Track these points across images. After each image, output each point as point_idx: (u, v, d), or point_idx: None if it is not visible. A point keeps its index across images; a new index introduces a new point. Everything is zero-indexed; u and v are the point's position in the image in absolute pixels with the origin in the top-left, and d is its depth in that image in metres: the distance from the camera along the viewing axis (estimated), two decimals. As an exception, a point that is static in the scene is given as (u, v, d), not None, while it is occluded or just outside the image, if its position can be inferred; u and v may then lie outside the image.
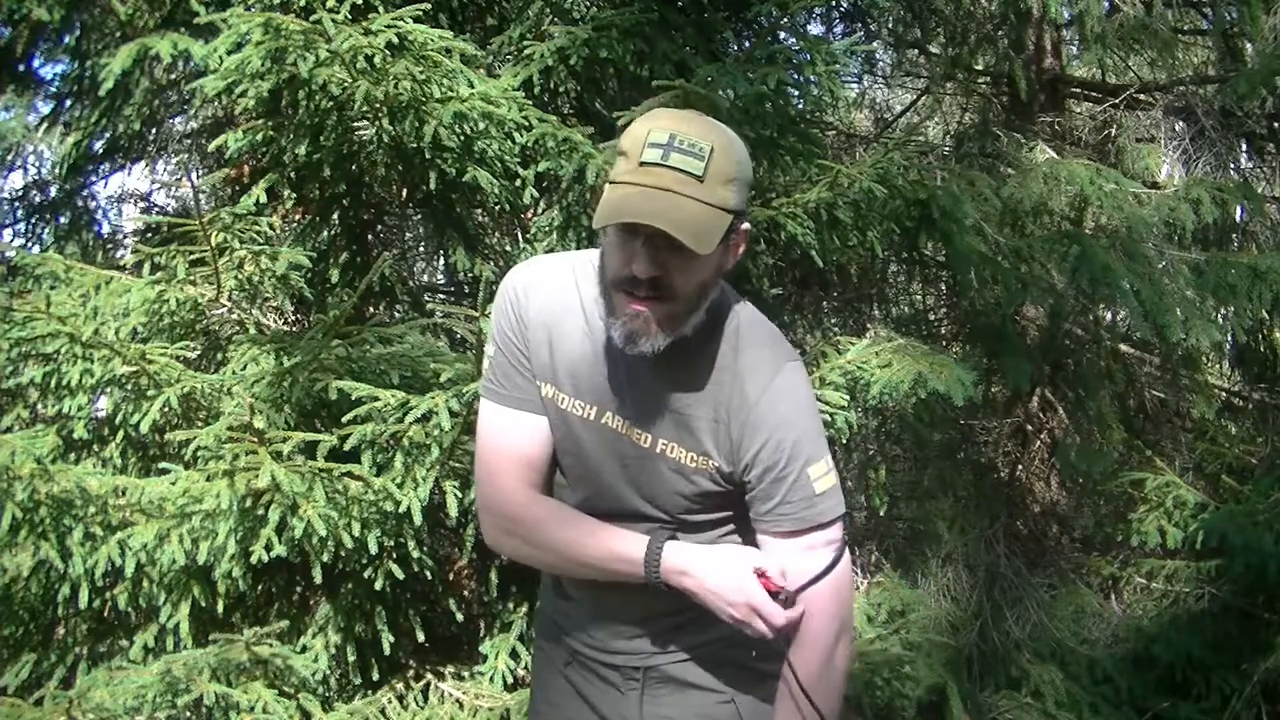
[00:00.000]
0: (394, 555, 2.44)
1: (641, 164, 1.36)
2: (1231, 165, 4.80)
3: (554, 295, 1.52)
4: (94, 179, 3.78)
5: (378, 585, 2.44)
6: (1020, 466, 4.73)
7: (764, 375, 1.48)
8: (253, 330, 2.80)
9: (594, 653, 1.61)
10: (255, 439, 2.27)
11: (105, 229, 3.93)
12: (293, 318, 3.04)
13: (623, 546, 1.50)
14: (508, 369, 1.54)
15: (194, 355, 2.72)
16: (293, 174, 2.83)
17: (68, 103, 3.48)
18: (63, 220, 3.74)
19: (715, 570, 1.47)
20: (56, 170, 3.81)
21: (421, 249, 3.74)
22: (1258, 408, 4.93)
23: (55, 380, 2.54)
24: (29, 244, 3.72)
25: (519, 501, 1.54)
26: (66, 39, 3.31)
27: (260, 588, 2.65)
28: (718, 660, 1.57)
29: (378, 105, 2.58)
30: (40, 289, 2.76)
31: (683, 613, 1.54)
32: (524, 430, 1.54)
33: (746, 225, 1.48)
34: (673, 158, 1.34)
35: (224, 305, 2.75)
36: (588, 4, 3.03)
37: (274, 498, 2.27)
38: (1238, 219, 4.77)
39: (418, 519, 2.34)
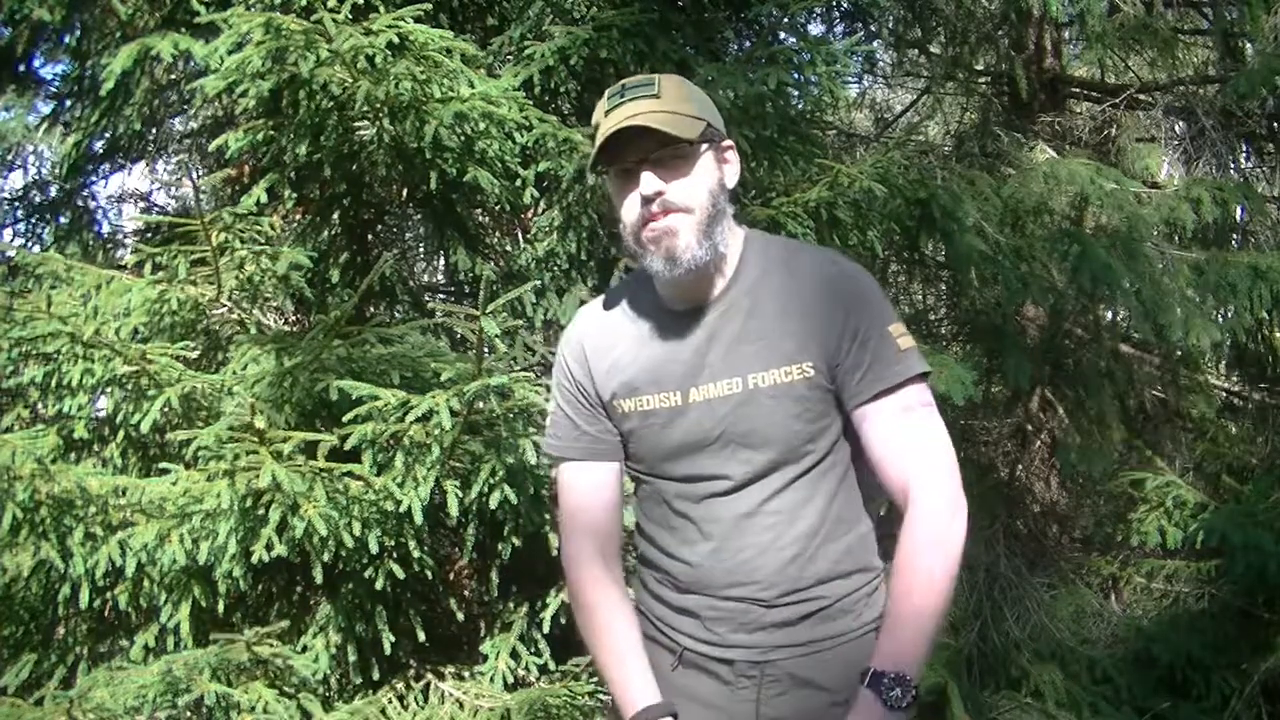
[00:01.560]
0: (394, 555, 2.44)
1: (606, 114, 1.50)
2: (1231, 165, 4.80)
3: (603, 322, 1.63)
4: (94, 179, 3.78)
5: (378, 585, 2.44)
6: (1020, 466, 4.73)
7: (825, 262, 1.58)
8: (253, 330, 2.79)
9: (707, 648, 1.58)
10: (256, 439, 2.27)
11: (105, 229, 3.93)
12: (293, 318, 3.04)
13: (625, 690, 1.56)
14: (570, 418, 1.63)
15: (194, 355, 2.72)
16: (293, 174, 2.83)
17: (68, 103, 3.48)
18: (63, 220, 3.73)
19: None
20: (57, 170, 3.81)
21: (422, 249, 3.73)
22: (1258, 408, 4.94)
23: (56, 380, 2.54)
24: (29, 244, 3.71)
25: (581, 578, 1.62)
26: (67, 39, 3.31)
27: (261, 588, 2.65)
28: (839, 658, 1.54)
29: (378, 105, 2.58)
30: (41, 288, 2.76)
31: (817, 595, 1.54)
32: (596, 484, 1.62)
33: (730, 143, 1.57)
34: (627, 94, 1.50)
35: (224, 305, 2.75)
36: (588, 4, 3.03)
37: (274, 497, 2.27)
38: (1238, 219, 4.77)
39: (418, 519, 2.34)
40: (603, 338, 1.62)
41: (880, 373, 1.50)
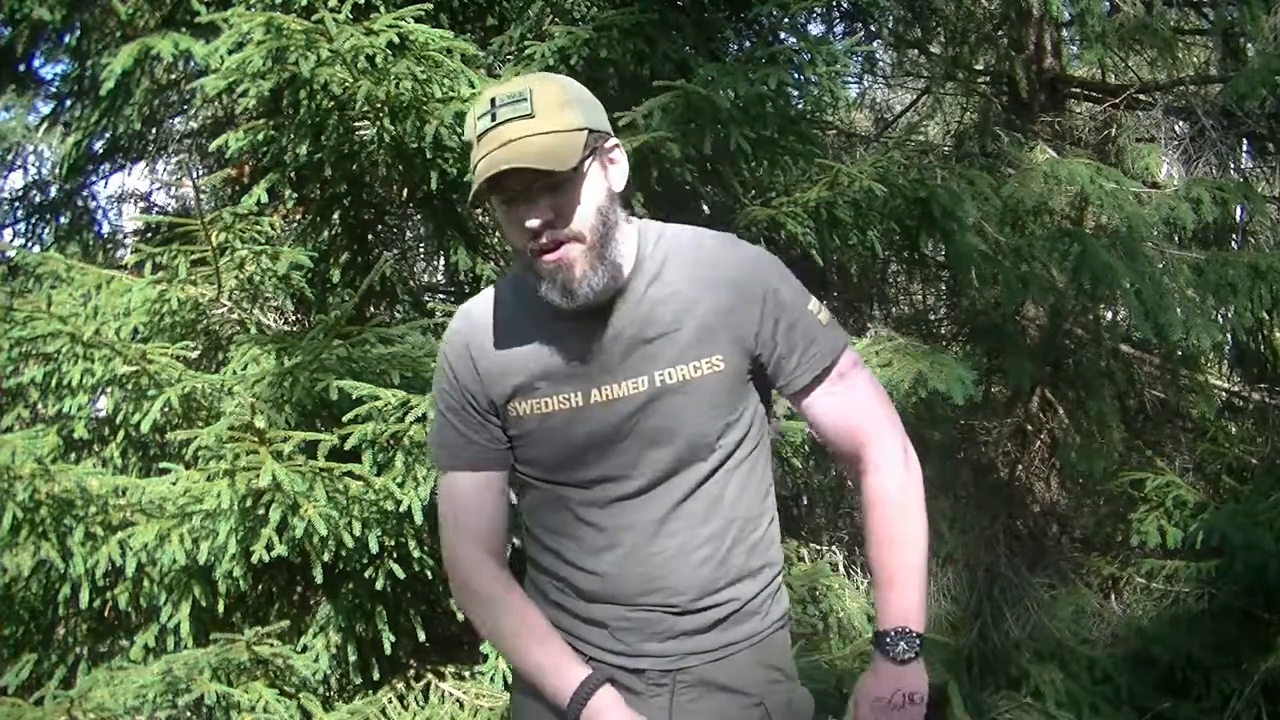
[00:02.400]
0: (395, 555, 2.44)
1: (478, 138, 1.39)
2: (1232, 165, 4.80)
3: (490, 321, 1.52)
4: (94, 179, 3.79)
5: (378, 585, 2.44)
6: (1020, 466, 4.73)
7: (726, 248, 1.53)
8: (253, 330, 2.80)
9: (617, 659, 1.51)
10: (256, 439, 2.27)
11: (105, 229, 3.94)
12: (293, 317, 3.04)
13: (554, 675, 1.48)
14: (455, 427, 1.53)
15: (195, 355, 2.72)
16: (293, 174, 2.83)
17: (68, 103, 3.49)
18: (63, 220, 3.74)
19: None
20: (57, 170, 3.82)
21: (422, 249, 3.74)
22: (1258, 408, 4.93)
23: (56, 380, 2.54)
24: (29, 244, 3.72)
25: (477, 575, 1.54)
26: (67, 39, 3.31)
27: (261, 587, 2.65)
28: (749, 660, 1.52)
29: (379, 105, 2.58)
30: (41, 288, 2.77)
31: (729, 599, 1.51)
32: (482, 491, 1.53)
33: (615, 142, 1.48)
34: (499, 114, 1.38)
35: (225, 305, 2.75)
36: (588, 4, 3.03)
37: (275, 497, 2.27)
38: (1238, 219, 4.77)
39: (418, 518, 2.34)
40: (491, 338, 1.51)
41: (815, 355, 1.50)
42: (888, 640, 1.51)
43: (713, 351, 1.47)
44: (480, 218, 3.22)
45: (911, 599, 1.53)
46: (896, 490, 1.53)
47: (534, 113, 1.37)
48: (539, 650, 1.51)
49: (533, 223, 1.38)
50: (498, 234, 3.24)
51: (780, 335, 1.49)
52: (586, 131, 1.41)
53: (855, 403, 1.53)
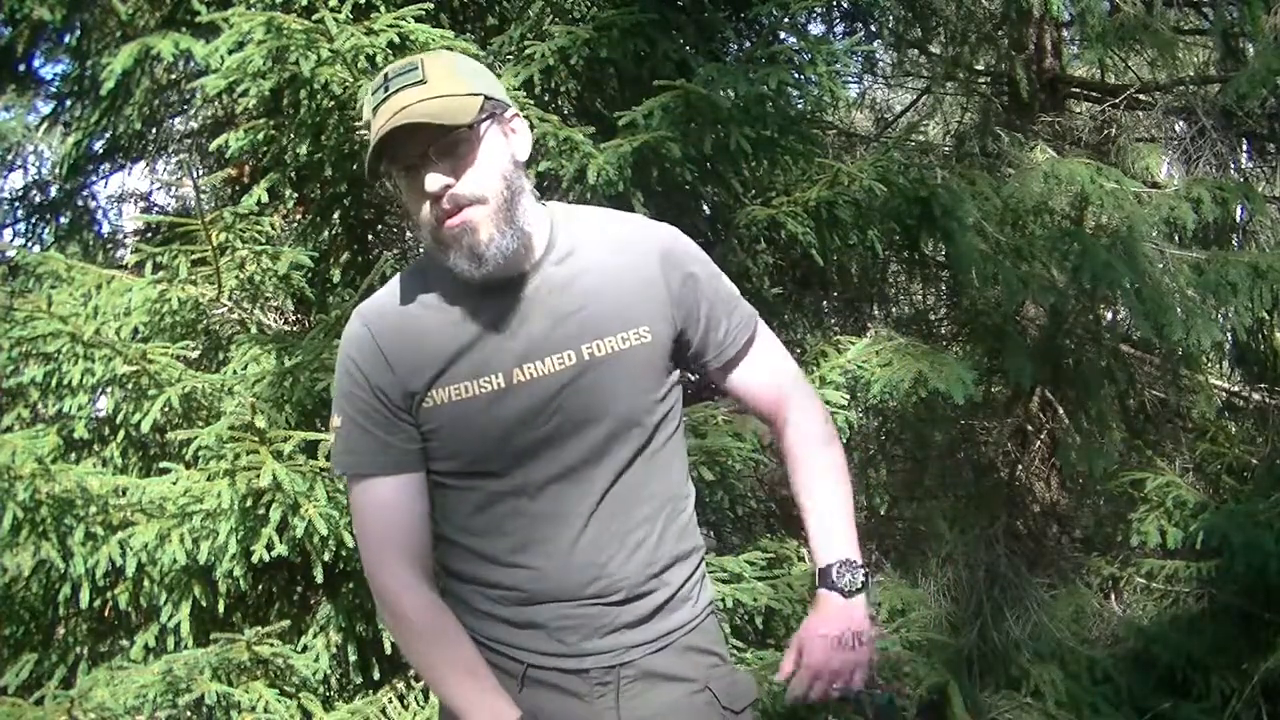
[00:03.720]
0: (395, 555, 2.44)
1: (374, 111, 1.38)
2: (1232, 165, 4.80)
3: (397, 315, 1.46)
4: (94, 179, 3.79)
5: (379, 585, 2.44)
6: (1020, 466, 4.73)
7: (640, 225, 1.54)
8: (254, 330, 2.80)
9: (558, 660, 1.45)
10: (256, 438, 2.28)
11: (105, 229, 3.94)
12: (294, 317, 3.04)
13: (482, 707, 1.40)
14: (369, 431, 1.44)
15: (195, 355, 2.72)
16: (294, 173, 2.83)
17: (68, 102, 3.49)
18: (63, 220, 3.74)
19: None
20: (57, 170, 3.82)
21: (422, 249, 3.73)
22: (1258, 408, 4.93)
23: (56, 379, 2.54)
24: (29, 244, 3.72)
25: (404, 597, 1.44)
26: (67, 39, 3.31)
27: (261, 587, 2.65)
28: (686, 647, 1.50)
29: (379, 105, 2.58)
30: (41, 288, 2.77)
31: (665, 583, 1.47)
32: (403, 496, 1.45)
33: (516, 112, 1.45)
34: (391, 85, 1.37)
35: (225, 305, 2.75)
36: (588, 4, 3.03)
37: (275, 497, 2.27)
38: (1238, 219, 4.77)
39: (419, 518, 2.34)
40: (401, 332, 1.44)
41: (739, 326, 1.54)
42: (834, 573, 1.51)
43: (639, 323, 1.45)
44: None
45: (850, 532, 1.55)
46: (822, 424, 1.59)
47: (425, 79, 1.36)
48: (467, 683, 1.42)
49: (432, 183, 1.34)
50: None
51: (704, 311, 1.50)
52: (482, 97, 1.39)
53: (773, 365, 1.59)
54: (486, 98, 1.40)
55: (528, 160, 1.46)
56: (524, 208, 1.41)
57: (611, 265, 1.46)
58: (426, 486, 1.47)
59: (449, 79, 1.38)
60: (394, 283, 1.50)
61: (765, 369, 1.57)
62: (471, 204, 1.36)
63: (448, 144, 1.35)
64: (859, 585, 1.51)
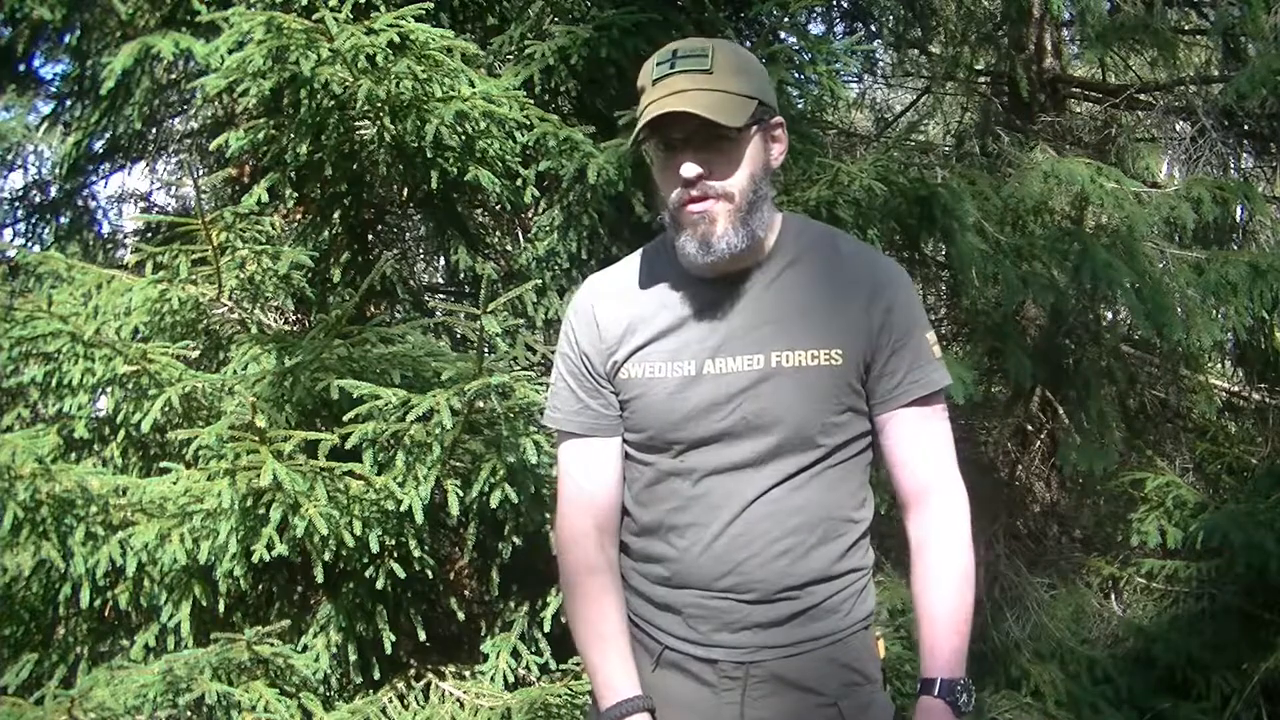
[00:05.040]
0: (395, 554, 2.44)
1: (654, 82, 1.43)
2: (1232, 165, 4.80)
3: (620, 286, 1.56)
4: (94, 179, 3.78)
5: (379, 584, 2.44)
6: (1020, 466, 4.73)
7: (865, 254, 1.56)
8: (254, 329, 2.79)
9: (691, 647, 1.50)
10: (257, 438, 2.27)
11: (106, 229, 3.94)
12: (294, 317, 3.04)
13: (601, 683, 1.50)
14: (572, 390, 1.55)
15: (195, 354, 2.72)
16: (294, 173, 2.83)
17: (68, 102, 3.48)
18: (63, 220, 3.74)
19: None
20: (57, 170, 3.81)
21: (422, 248, 3.74)
22: (1258, 408, 4.93)
23: (56, 379, 2.54)
24: (30, 244, 3.72)
25: (575, 558, 1.55)
26: (67, 38, 3.31)
27: (261, 587, 2.65)
28: (826, 659, 1.49)
29: (379, 104, 2.58)
30: (42, 288, 2.77)
31: (805, 594, 1.48)
32: (595, 457, 1.55)
33: (781, 120, 1.51)
34: (678, 64, 1.42)
35: (225, 304, 2.75)
36: (588, 3, 3.03)
37: (275, 497, 2.27)
38: (1238, 218, 4.77)
39: (419, 518, 2.34)
40: (618, 302, 1.54)
41: (919, 379, 1.50)
42: (956, 689, 1.45)
43: (833, 345, 1.48)
44: (481, 217, 3.22)
45: (964, 651, 1.48)
46: (966, 547, 1.51)
47: (711, 69, 1.42)
48: (597, 653, 1.52)
49: (687, 170, 1.41)
50: (498, 233, 3.24)
51: (895, 348, 1.50)
52: (757, 102, 1.44)
53: (936, 441, 1.53)
54: (761, 103, 1.45)
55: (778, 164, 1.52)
56: (763, 213, 1.47)
57: (826, 283, 1.50)
58: (619, 453, 1.55)
59: (733, 75, 1.43)
60: (630, 258, 1.60)
61: (926, 436, 1.52)
62: (718, 197, 1.42)
63: (713, 137, 1.41)
64: (971, 707, 1.46)
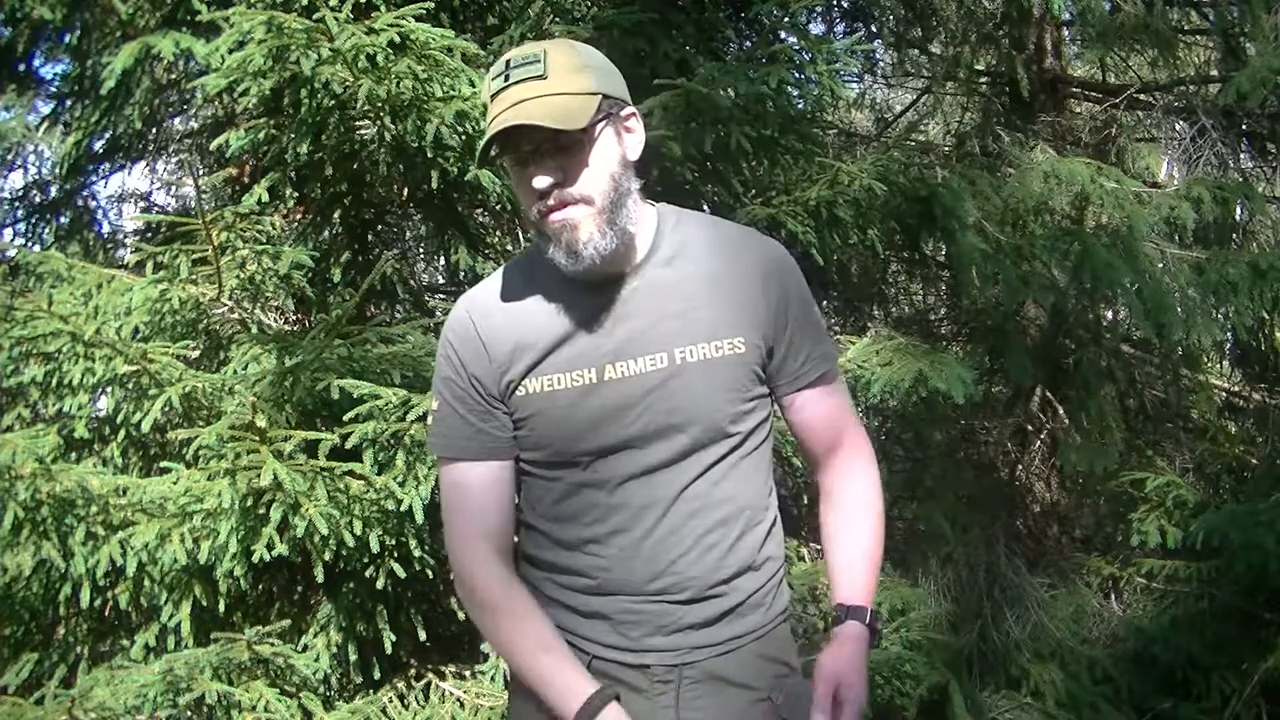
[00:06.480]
0: (395, 554, 2.44)
1: (491, 98, 1.40)
2: (1232, 165, 4.80)
3: (501, 304, 1.50)
4: (94, 179, 3.78)
5: (379, 584, 2.44)
6: (1020, 466, 4.73)
7: (749, 238, 1.56)
8: (255, 329, 2.79)
9: (621, 654, 1.48)
10: (257, 438, 2.27)
11: (106, 229, 3.93)
12: (294, 317, 3.04)
13: (558, 688, 1.43)
14: (461, 417, 1.49)
15: (196, 354, 2.72)
16: (294, 173, 2.83)
17: (68, 102, 3.48)
18: (63, 220, 3.73)
19: None
20: (57, 170, 3.81)
21: (423, 248, 3.74)
22: (1258, 408, 4.93)
23: (56, 379, 2.54)
24: (30, 243, 3.71)
25: (484, 578, 1.50)
26: (67, 38, 3.30)
27: (261, 587, 2.65)
28: (755, 654, 1.50)
29: (380, 104, 2.58)
30: (42, 288, 2.76)
31: (733, 590, 1.48)
32: (491, 482, 1.50)
33: (633, 110, 1.46)
34: (512, 74, 1.38)
35: (226, 304, 2.75)
36: (588, 4, 3.03)
37: (276, 496, 2.27)
38: (1238, 218, 4.77)
39: (419, 518, 2.34)
40: (501, 321, 1.48)
41: (819, 358, 1.55)
42: (870, 617, 1.53)
43: (735, 334, 1.47)
44: (481, 217, 3.22)
45: (876, 586, 1.58)
46: (877, 488, 1.62)
47: (546, 74, 1.37)
48: (544, 659, 1.46)
49: (539, 182, 1.38)
50: (498, 233, 3.24)
51: (794, 332, 1.51)
52: (600, 96, 1.40)
53: (840, 406, 1.61)
54: (605, 96, 1.41)
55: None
56: (628, 209, 1.44)
57: (715, 273, 1.48)
58: (514, 474, 1.52)
59: (569, 75, 1.39)
60: (501, 272, 1.55)
61: (832, 407, 1.59)
62: (577, 203, 1.39)
63: (560, 144, 1.38)
64: (880, 638, 1.54)
